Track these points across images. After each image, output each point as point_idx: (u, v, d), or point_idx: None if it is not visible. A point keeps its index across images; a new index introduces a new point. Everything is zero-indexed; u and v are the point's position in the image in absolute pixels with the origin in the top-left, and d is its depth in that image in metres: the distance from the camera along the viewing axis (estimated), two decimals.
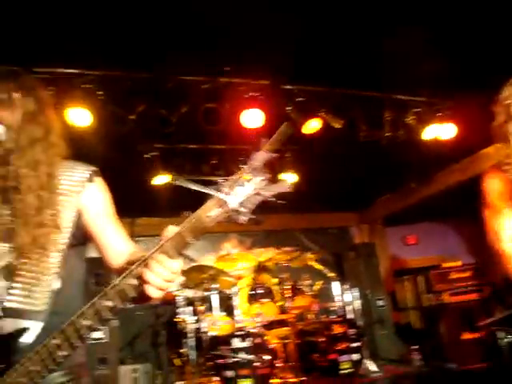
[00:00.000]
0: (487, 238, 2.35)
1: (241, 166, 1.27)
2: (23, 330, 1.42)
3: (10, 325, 1.42)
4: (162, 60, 4.13)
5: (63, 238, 1.54)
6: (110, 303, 1.32)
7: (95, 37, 3.67)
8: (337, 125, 5.01)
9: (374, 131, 5.32)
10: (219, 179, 1.27)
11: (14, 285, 1.46)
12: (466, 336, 6.11)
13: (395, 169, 6.66)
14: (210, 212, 1.28)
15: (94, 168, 1.68)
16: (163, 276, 1.32)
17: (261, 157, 1.26)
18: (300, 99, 4.79)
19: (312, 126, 5.00)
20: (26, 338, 1.42)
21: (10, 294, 1.45)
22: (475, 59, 4.50)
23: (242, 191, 1.26)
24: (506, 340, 5.60)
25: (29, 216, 1.49)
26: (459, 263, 6.98)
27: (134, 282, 1.32)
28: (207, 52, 4.07)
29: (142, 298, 1.38)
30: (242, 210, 1.27)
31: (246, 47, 4.06)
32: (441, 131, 5.48)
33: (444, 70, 4.61)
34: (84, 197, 1.62)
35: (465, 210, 5.35)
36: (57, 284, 1.50)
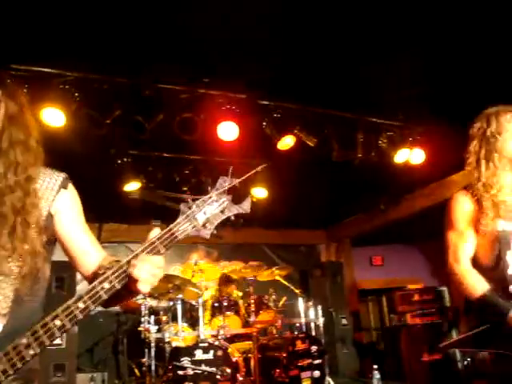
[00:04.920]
0: (447, 259, 2.41)
1: (209, 188, 1.47)
2: None
3: None
4: (141, 67, 4.14)
5: None
6: (82, 305, 1.37)
7: (76, 38, 3.65)
8: (310, 143, 5.08)
9: (347, 151, 5.41)
10: (190, 197, 1.45)
11: None
12: (426, 357, 6.20)
13: (365, 190, 6.77)
14: (181, 226, 1.42)
15: (66, 175, 1.68)
16: (149, 271, 1.39)
17: (227, 182, 1.47)
18: (276, 115, 4.84)
19: (286, 142, 5.06)
20: None
21: None
22: (449, 89, 4.64)
23: (209, 210, 1.44)
24: (463, 361, 5.71)
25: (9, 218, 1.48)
26: (422, 286, 7.11)
27: (108, 285, 1.39)
28: (187, 62, 4.10)
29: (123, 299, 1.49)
30: (208, 226, 1.44)
31: (226, 60, 4.10)
32: (411, 156, 5.62)
33: (418, 96, 4.75)
34: (57, 203, 1.61)
35: (430, 234, 5.46)
36: None
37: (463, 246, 2.36)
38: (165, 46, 3.91)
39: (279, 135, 4.96)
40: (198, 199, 1.45)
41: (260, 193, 6.27)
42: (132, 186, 5.58)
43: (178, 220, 1.42)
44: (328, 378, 5.41)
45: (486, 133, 2.40)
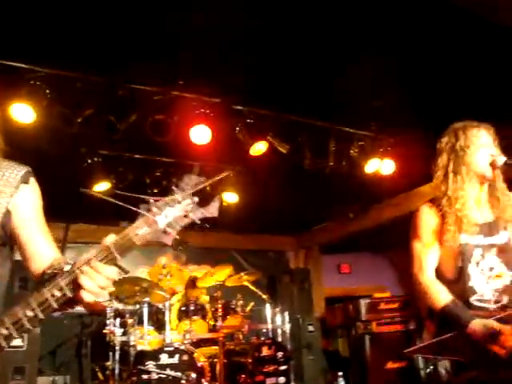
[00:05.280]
0: (412, 269, 2.46)
1: (172, 189, 1.31)
2: None
3: None
4: (115, 66, 4.10)
5: None
6: (31, 313, 1.29)
7: (49, 34, 3.59)
8: (283, 150, 5.11)
9: (319, 160, 5.46)
10: (151, 198, 1.30)
11: None
12: (390, 365, 6.28)
13: (336, 198, 6.84)
14: (139, 230, 1.29)
15: (28, 168, 1.63)
16: (98, 282, 1.31)
17: (192, 182, 1.31)
18: (249, 121, 4.86)
19: (258, 148, 5.08)
20: None
21: None
22: (420, 101, 4.74)
23: (171, 212, 1.28)
24: (425, 369, 5.82)
25: None
26: (388, 294, 7.20)
27: (58, 293, 1.31)
28: (162, 64, 4.07)
29: (68, 305, 1.37)
30: (169, 230, 1.29)
31: (202, 64, 4.09)
32: (381, 166, 5.71)
33: (391, 107, 4.83)
34: (16, 198, 1.56)
35: (397, 243, 5.56)
36: None
37: (428, 256, 2.41)
38: (140, 46, 3.87)
39: (252, 141, 4.98)
40: (159, 200, 1.29)
41: (231, 197, 6.27)
42: (102, 187, 5.50)
43: (135, 224, 1.29)
44: None
45: (454, 147, 2.46)
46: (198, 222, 1.31)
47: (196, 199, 1.30)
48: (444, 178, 2.47)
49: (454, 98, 4.54)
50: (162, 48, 3.89)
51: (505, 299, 2.28)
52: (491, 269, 2.32)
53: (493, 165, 2.36)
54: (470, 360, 2.17)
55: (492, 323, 2.11)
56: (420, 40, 3.88)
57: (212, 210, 1.32)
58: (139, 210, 1.28)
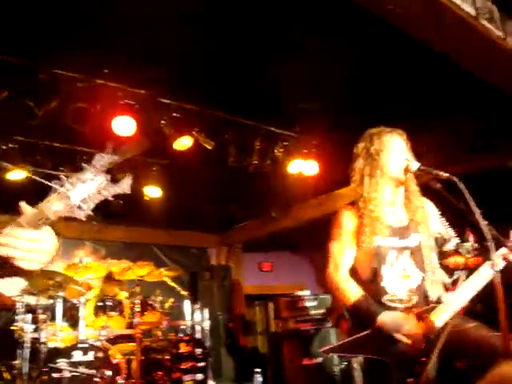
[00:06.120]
0: (327, 268, 2.54)
1: (84, 165, 1.33)
2: None
3: None
4: (38, 49, 3.89)
5: None
6: None
7: None
8: (208, 146, 5.09)
9: (243, 158, 5.49)
10: (62, 174, 1.31)
11: None
12: (307, 362, 6.43)
13: (259, 196, 6.92)
14: (51, 205, 1.29)
15: None
16: (22, 246, 1.30)
17: (105, 158, 1.34)
18: (175, 114, 4.79)
19: (183, 143, 5.02)
20: None
21: None
22: (344, 106, 4.90)
23: (84, 188, 1.31)
24: (340, 365, 6.02)
25: None
26: (307, 292, 7.37)
27: None
28: (88, 50, 3.92)
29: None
30: (83, 206, 1.31)
31: (129, 53, 3.99)
32: (305, 167, 5.84)
33: (316, 110, 4.95)
34: None
35: (318, 243, 5.71)
36: None
37: (344, 257, 2.50)
38: (65, 31, 3.71)
39: (177, 135, 4.92)
40: (71, 176, 1.32)
41: (154, 192, 6.16)
42: (16, 175, 5.22)
43: (48, 198, 1.30)
44: (211, 382, 5.42)
45: (369, 151, 2.56)
46: (111, 198, 1.34)
47: (108, 176, 1.33)
48: (360, 181, 2.56)
49: (374, 104, 4.73)
50: (88, 34, 3.75)
51: (415, 299, 2.40)
52: (404, 270, 2.43)
53: (406, 169, 2.47)
54: (383, 357, 2.27)
55: (399, 315, 2.22)
56: (346, 47, 4.01)
57: (124, 187, 1.35)
58: (52, 185, 1.29)
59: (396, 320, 2.23)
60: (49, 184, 1.29)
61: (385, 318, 2.24)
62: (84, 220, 1.32)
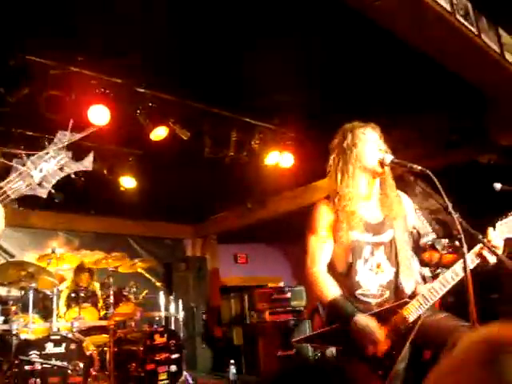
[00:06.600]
0: (305, 262, 2.55)
1: (46, 143, 1.34)
2: None
3: None
4: (9, 34, 3.79)
5: None
6: None
7: None
8: (184, 136, 5.05)
9: (220, 149, 5.47)
10: (23, 153, 1.31)
11: None
12: (281, 353, 6.48)
13: (234, 188, 6.91)
14: (13, 184, 1.29)
15: None
16: None
17: (66, 136, 1.35)
18: (151, 104, 4.74)
19: (159, 133, 4.98)
20: None
21: None
22: (319, 100, 4.91)
23: (45, 166, 1.32)
24: (313, 356, 6.09)
25: None
26: (282, 285, 7.42)
27: None
28: (63, 37, 3.84)
29: None
30: (45, 184, 1.32)
31: (105, 41, 3.92)
32: (281, 159, 5.85)
33: (293, 103, 4.95)
34: None
35: (293, 235, 5.75)
36: None
37: (321, 251, 2.51)
38: (39, 17, 3.62)
39: (153, 125, 4.87)
40: (33, 155, 1.32)
41: (128, 182, 6.10)
42: None
43: (9, 177, 1.30)
44: (185, 373, 5.42)
45: (342, 146, 2.57)
46: (73, 175, 1.35)
47: (70, 153, 1.34)
48: (335, 176, 2.57)
49: (351, 99, 4.75)
50: (63, 21, 3.68)
51: (387, 293, 2.43)
52: (378, 265, 2.46)
53: (381, 163, 2.49)
54: (353, 350, 2.30)
55: (371, 326, 2.25)
56: (322, 41, 4.03)
57: (86, 164, 1.36)
58: (13, 164, 1.28)
59: (366, 331, 2.25)
60: (9, 163, 1.27)
61: (358, 325, 2.26)
62: (45, 197, 1.30)
